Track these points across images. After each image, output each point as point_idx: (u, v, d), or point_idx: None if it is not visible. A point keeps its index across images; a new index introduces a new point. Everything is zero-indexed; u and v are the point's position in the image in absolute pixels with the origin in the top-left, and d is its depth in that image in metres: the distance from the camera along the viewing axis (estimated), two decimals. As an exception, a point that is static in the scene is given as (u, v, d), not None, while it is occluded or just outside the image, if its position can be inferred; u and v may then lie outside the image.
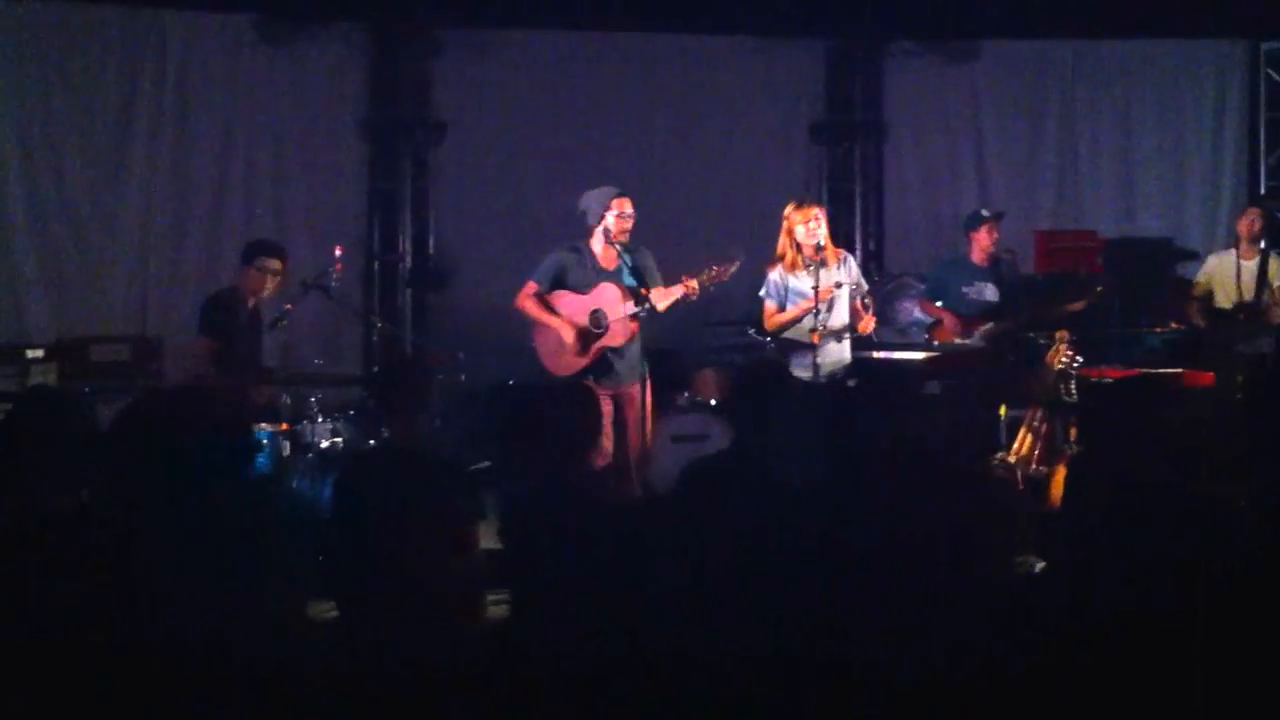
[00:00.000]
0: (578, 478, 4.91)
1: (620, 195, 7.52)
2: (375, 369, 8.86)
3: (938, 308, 8.84)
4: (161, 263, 9.54)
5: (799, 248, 7.70)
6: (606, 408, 7.31)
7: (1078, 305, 8.65)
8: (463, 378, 8.80)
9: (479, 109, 10.22)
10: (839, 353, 7.73)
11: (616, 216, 7.46)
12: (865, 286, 7.94)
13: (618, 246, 7.43)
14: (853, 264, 7.94)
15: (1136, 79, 10.97)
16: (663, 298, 7.33)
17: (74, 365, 7.86)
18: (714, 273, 7.34)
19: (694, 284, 7.31)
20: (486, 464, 8.12)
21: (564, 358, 7.49)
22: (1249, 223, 9.05)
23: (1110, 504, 4.24)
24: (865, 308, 7.69)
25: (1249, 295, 8.78)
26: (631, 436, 7.41)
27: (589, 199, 7.55)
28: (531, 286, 7.57)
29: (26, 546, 3.80)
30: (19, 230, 9.20)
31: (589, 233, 7.55)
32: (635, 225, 7.55)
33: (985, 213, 8.93)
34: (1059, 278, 9.42)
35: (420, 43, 10.02)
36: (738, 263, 7.41)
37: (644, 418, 7.51)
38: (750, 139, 10.70)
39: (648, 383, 7.55)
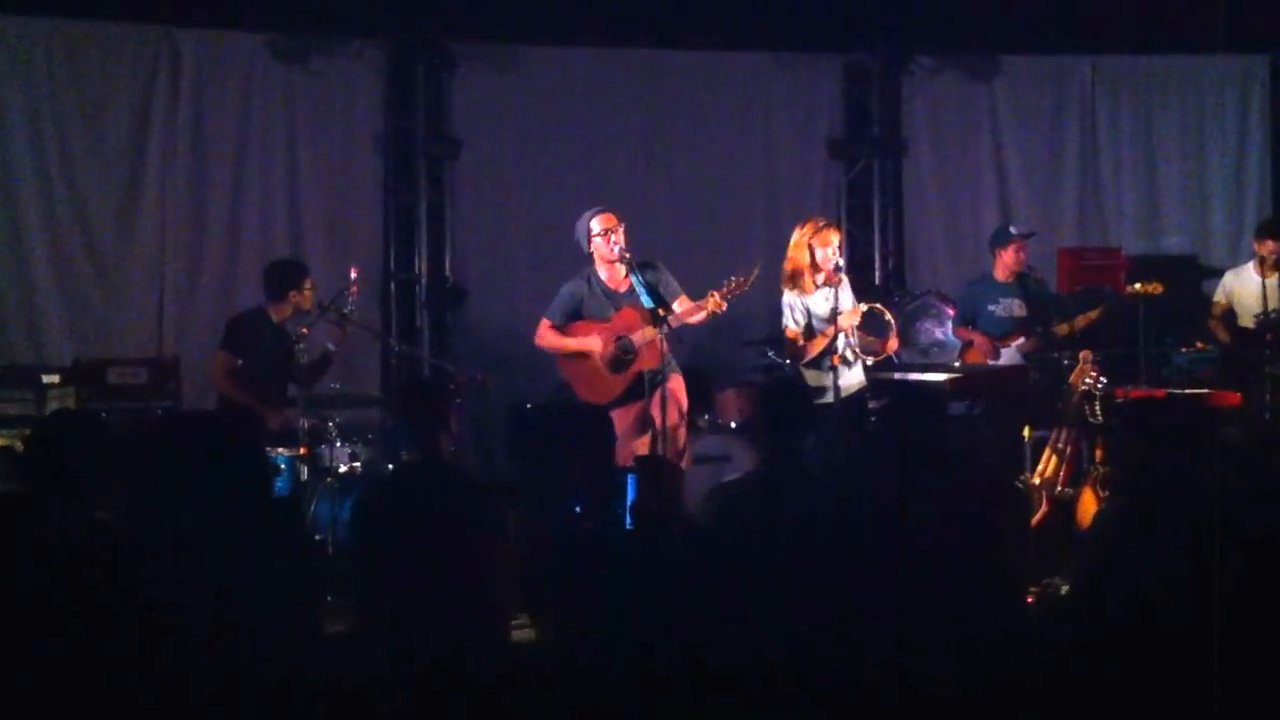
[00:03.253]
0: (597, 498, 4.88)
1: (600, 211, 7.52)
2: (394, 391, 8.81)
3: (968, 330, 8.86)
4: (178, 284, 9.47)
5: (815, 268, 7.63)
6: (628, 422, 7.31)
7: (1083, 321, 8.56)
8: (482, 399, 8.75)
9: (494, 125, 10.16)
10: (853, 375, 7.71)
11: (600, 234, 7.44)
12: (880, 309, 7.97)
13: (623, 266, 7.38)
14: (848, 286, 7.87)
15: (1157, 94, 10.90)
16: (685, 315, 7.28)
17: (91, 388, 7.80)
18: (734, 284, 7.31)
19: (718, 299, 7.24)
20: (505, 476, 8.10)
21: (599, 385, 7.49)
22: (1269, 250, 8.91)
23: (1137, 526, 4.19)
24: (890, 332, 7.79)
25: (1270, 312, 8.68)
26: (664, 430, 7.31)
27: (577, 225, 7.57)
28: (546, 323, 7.61)
29: (53, 565, 3.76)
30: (34, 252, 9.11)
31: (590, 259, 7.54)
32: (649, 246, 7.52)
33: (1014, 230, 8.92)
34: (1088, 293, 9.36)
35: (435, 59, 9.94)
36: (758, 268, 7.39)
37: (679, 412, 7.51)
38: (767, 155, 10.62)
39: (679, 378, 7.59)
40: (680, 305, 7.36)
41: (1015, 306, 8.77)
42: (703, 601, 4.34)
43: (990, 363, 8.60)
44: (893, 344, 7.75)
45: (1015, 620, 4.42)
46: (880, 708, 4.00)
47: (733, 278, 7.31)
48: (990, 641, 4.21)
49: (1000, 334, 8.72)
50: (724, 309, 7.29)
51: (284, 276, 7.72)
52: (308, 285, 7.70)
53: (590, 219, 7.48)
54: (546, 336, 7.59)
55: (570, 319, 7.54)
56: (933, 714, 3.98)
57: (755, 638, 4.24)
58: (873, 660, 4.09)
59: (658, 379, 7.28)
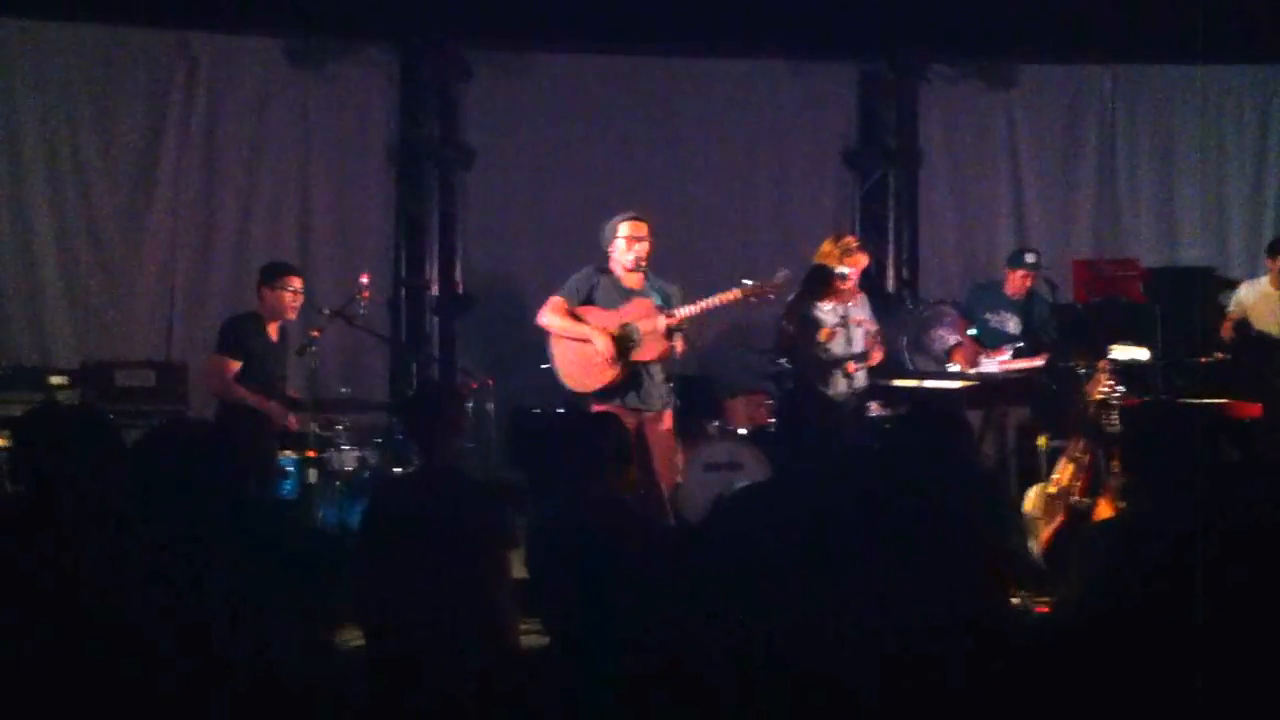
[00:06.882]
0: (606, 504, 4.82)
1: (633, 218, 7.32)
2: (404, 396, 8.77)
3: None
4: (187, 287, 9.46)
5: (842, 278, 7.70)
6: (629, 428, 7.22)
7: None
8: (490, 406, 8.68)
9: (507, 132, 10.13)
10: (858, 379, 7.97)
11: (626, 238, 7.24)
12: (876, 326, 8.13)
13: (643, 270, 7.25)
14: (867, 303, 8.13)
15: (1177, 104, 10.81)
16: (697, 308, 7.14)
17: (98, 389, 7.76)
18: (756, 287, 7.17)
19: (736, 293, 7.12)
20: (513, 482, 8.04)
21: (592, 371, 7.19)
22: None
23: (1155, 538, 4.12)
24: (877, 343, 8.03)
25: None
26: (659, 465, 7.16)
27: (605, 226, 7.37)
28: (560, 302, 7.31)
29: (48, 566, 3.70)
30: (44, 254, 9.14)
31: (608, 258, 7.34)
32: (662, 253, 7.42)
33: (1030, 258, 8.88)
34: (1096, 306, 9.29)
35: (449, 66, 9.92)
36: (783, 275, 7.31)
37: (673, 447, 7.47)
38: (782, 164, 10.56)
39: (672, 412, 7.49)
40: (687, 309, 7.19)
41: (1010, 322, 8.83)
42: (710, 605, 4.32)
43: (969, 370, 8.59)
44: (877, 355, 8.00)
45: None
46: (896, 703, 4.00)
47: (763, 281, 7.20)
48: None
49: (989, 344, 8.72)
50: (736, 300, 7.14)
51: (275, 268, 7.60)
52: (297, 282, 7.51)
53: (620, 222, 7.26)
54: (556, 313, 7.27)
55: (583, 302, 7.30)
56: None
57: (759, 641, 4.22)
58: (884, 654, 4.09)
59: (649, 407, 7.21)
